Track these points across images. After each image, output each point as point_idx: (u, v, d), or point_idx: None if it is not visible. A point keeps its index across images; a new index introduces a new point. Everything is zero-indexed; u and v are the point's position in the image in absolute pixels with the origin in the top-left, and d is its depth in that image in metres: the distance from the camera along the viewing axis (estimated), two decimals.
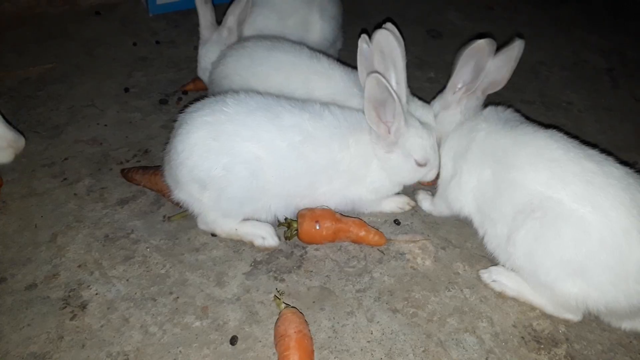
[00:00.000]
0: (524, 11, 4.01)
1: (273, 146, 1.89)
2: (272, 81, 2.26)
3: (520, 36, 2.04)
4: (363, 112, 1.95)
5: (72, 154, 2.46)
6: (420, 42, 3.49)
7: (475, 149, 1.96)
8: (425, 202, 2.25)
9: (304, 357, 1.61)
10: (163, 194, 2.19)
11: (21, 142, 2.20)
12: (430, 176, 2.12)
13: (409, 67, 2.17)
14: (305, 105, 1.98)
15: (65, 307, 1.81)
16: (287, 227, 2.04)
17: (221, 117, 1.88)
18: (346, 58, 2.84)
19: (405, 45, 2.09)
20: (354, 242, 2.08)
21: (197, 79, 2.82)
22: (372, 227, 2.10)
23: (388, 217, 2.23)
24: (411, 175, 2.09)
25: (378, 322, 1.81)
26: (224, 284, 1.92)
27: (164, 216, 2.17)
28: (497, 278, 1.92)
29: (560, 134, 1.86)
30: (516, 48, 2.01)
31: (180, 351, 1.69)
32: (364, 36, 2.03)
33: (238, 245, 2.07)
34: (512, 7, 4.05)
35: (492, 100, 2.24)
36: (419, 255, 2.07)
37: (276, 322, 1.72)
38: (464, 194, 1.98)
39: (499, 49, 2.03)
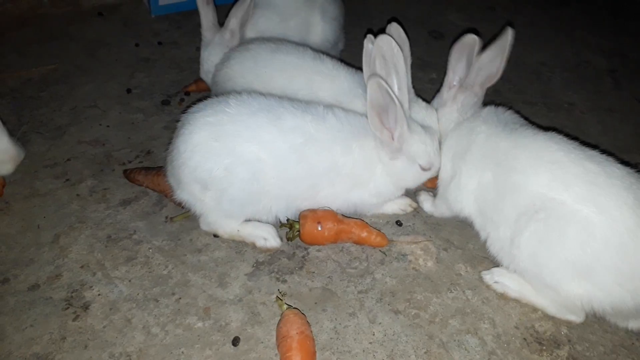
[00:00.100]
0: (525, 12, 4.01)
1: (274, 148, 1.89)
2: (276, 82, 2.27)
3: (511, 25, 2.05)
4: (367, 117, 1.95)
5: (74, 154, 2.47)
6: (422, 43, 3.49)
7: (475, 151, 1.96)
8: (426, 203, 2.25)
9: (306, 358, 1.61)
10: (165, 194, 2.19)
11: (22, 155, 2.23)
12: (432, 176, 2.13)
13: (411, 68, 2.18)
14: (308, 108, 1.98)
15: (68, 307, 1.82)
16: (289, 228, 2.05)
17: (223, 118, 1.89)
18: (348, 59, 2.84)
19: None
20: (356, 243, 2.08)
21: (199, 80, 2.82)
22: (374, 228, 2.10)
23: (390, 218, 2.23)
24: (416, 179, 2.10)
25: (380, 323, 1.81)
26: (226, 284, 1.92)
27: (167, 217, 2.18)
28: (499, 279, 1.92)
29: (560, 136, 1.86)
30: (506, 37, 2.02)
31: (182, 352, 1.70)
32: (369, 36, 2.04)
33: (240, 246, 2.07)
34: (513, 8, 4.05)
35: (494, 101, 2.24)
36: (421, 256, 2.07)
37: (278, 323, 1.73)
38: (464, 196, 1.98)
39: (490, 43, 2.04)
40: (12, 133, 2.24)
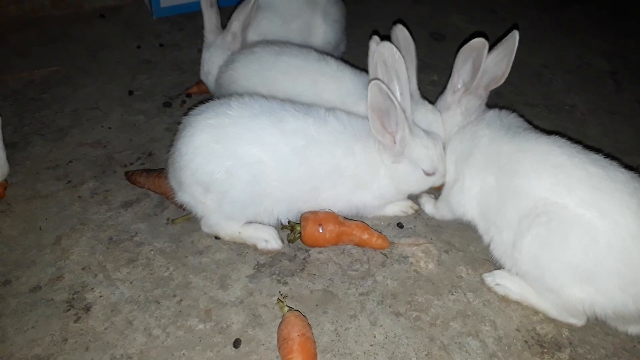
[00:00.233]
0: (527, 14, 4.01)
1: (276, 150, 1.89)
2: (280, 85, 2.27)
3: (516, 27, 2.04)
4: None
5: (76, 156, 2.47)
6: (423, 44, 3.49)
7: (478, 155, 1.96)
8: (428, 205, 2.25)
9: None
10: (167, 196, 2.19)
11: (7, 169, 2.24)
12: (439, 183, 2.12)
13: None
14: (310, 110, 1.99)
15: (69, 309, 1.82)
16: (290, 230, 2.05)
17: (225, 120, 1.89)
18: (349, 61, 2.84)
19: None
20: (357, 245, 2.08)
21: (200, 81, 2.82)
22: (375, 230, 2.10)
23: (391, 220, 2.23)
24: (420, 184, 2.09)
25: (381, 325, 1.81)
26: (227, 286, 1.92)
27: (168, 219, 2.18)
28: (501, 282, 1.92)
29: (564, 140, 1.85)
30: (513, 40, 2.02)
31: (183, 354, 1.70)
32: (375, 37, 2.04)
33: (241, 248, 2.07)
34: (514, 10, 4.05)
35: (495, 103, 2.24)
36: (422, 258, 2.07)
37: (279, 325, 1.73)
38: (467, 199, 1.98)
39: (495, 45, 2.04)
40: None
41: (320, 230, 1.99)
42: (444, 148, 2.13)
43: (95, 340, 1.73)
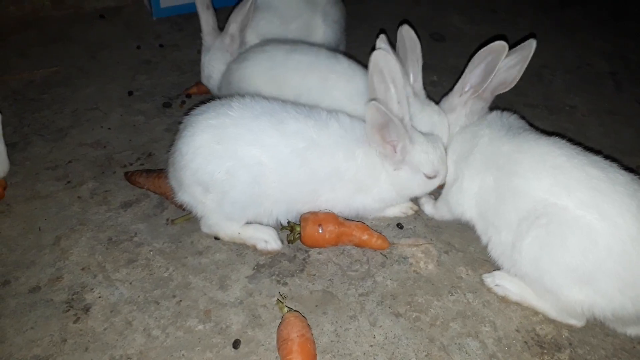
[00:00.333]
0: (527, 14, 4.01)
1: (276, 152, 1.89)
2: (290, 81, 2.26)
3: (533, 36, 2.03)
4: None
5: (76, 157, 2.47)
6: (423, 45, 3.43)
7: (477, 154, 1.96)
8: (427, 205, 2.25)
9: None
10: (166, 197, 2.19)
11: (7, 166, 2.26)
12: (441, 182, 2.12)
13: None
14: (312, 112, 1.98)
15: (69, 310, 1.82)
16: (290, 230, 2.05)
17: (226, 121, 1.89)
18: None
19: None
20: (357, 245, 2.08)
21: (200, 82, 2.82)
22: (375, 230, 2.10)
23: (391, 220, 2.23)
24: (422, 188, 2.10)
25: (381, 326, 1.81)
26: (226, 287, 1.92)
27: (167, 219, 2.18)
28: (500, 282, 1.92)
29: (564, 141, 1.85)
30: (528, 47, 2.00)
31: (183, 354, 1.70)
32: (382, 36, 2.03)
33: (241, 248, 2.07)
34: (515, 11, 4.05)
35: (496, 104, 2.24)
36: (421, 259, 2.07)
37: (279, 326, 1.72)
38: (465, 199, 1.98)
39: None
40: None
41: (320, 231, 1.98)
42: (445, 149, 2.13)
43: (95, 340, 1.73)
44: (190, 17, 3.59)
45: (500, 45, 1.96)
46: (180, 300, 1.87)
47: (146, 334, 1.76)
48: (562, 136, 1.90)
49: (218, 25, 2.69)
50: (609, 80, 3.34)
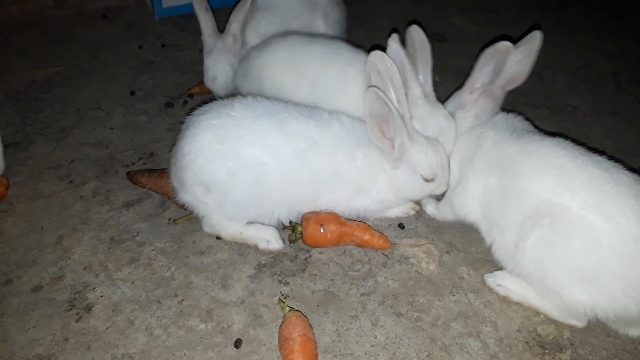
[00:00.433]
0: (528, 15, 4.01)
1: (278, 152, 1.89)
2: (307, 71, 2.26)
3: (539, 27, 2.01)
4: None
5: (78, 156, 2.48)
6: None
7: (481, 156, 1.95)
8: (429, 206, 2.25)
9: None
10: (168, 196, 2.20)
11: (3, 164, 2.26)
12: (440, 190, 2.11)
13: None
14: (313, 113, 1.99)
15: (71, 309, 1.83)
16: (292, 230, 2.05)
17: (228, 121, 1.89)
18: None
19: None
20: (359, 245, 2.08)
21: (202, 82, 2.83)
22: (377, 230, 2.10)
23: (392, 221, 2.23)
24: (418, 190, 2.08)
25: (382, 326, 1.81)
26: (228, 287, 1.93)
27: (169, 219, 2.18)
28: (502, 282, 1.92)
29: (567, 142, 1.84)
30: (534, 40, 1.99)
31: (184, 354, 1.70)
32: (394, 35, 2.03)
33: (243, 248, 2.07)
34: (516, 11, 4.05)
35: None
36: (423, 259, 2.07)
37: (280, 326, 1.73)
38: (469, 201, 1.97)
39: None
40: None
41: (322, 231, 1.99)
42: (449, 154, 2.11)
43: (97, 339, 1.73)
44: (192, 17, 3.56)
45: (505, 45, 1.95)
46: (182, 300, 1.87)
47: (148, 333, 1.76)
48: (565, 137, 1.90)
49: (217, 26, 2.69)
50: (610, 80, 3.34)
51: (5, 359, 1.66)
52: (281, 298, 1.87)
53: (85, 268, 1.97)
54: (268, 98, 2.03)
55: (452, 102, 2.24)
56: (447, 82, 3.09)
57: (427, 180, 2.03)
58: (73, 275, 1.94)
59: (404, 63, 2.06)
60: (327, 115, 2.00)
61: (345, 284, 1.95)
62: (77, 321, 1.79)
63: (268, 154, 1.88)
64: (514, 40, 2.01)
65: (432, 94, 2.22)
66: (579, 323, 1.82)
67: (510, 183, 1.82)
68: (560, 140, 1.85)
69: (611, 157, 1.80)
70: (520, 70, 2.06)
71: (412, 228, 2.21)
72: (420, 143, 1.99)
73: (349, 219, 2.09)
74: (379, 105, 1.84)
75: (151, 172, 2.28)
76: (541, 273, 1.72)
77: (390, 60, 1.92)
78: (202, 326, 1.79)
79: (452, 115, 2.19)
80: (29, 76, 2.99)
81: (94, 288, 1.90)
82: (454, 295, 1.94)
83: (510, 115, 2.11)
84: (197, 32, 2.70)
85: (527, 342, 1.79)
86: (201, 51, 2.76)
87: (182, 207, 2.09)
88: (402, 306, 1.88)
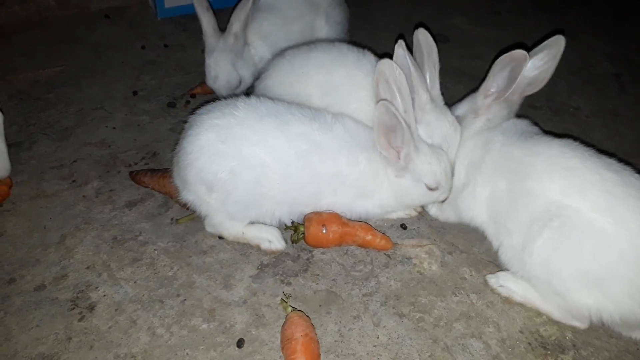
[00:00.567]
0: (530, 16, 4.01)
1: (280, 153, 1.89)
2: (314, 77, 2.25)
3: (562, 32, 1.96)
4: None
5: (81, 156, 2.49)
6: None
7: (489, 161, 1.94)
8: (432, 207, 2.25)
9: None
10: (171, 196, 2.20)
11: (9, 165, 2.25)
12: (442, 197, 2.10)
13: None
14: (317, 115, 1.98)
15: (74, 308, 1.83)
16: (294, 230, 2.05)
17: (231, 121, 1.90)
18: None
19: (411, 50, 2.08)
20: (361, 246, 2.08)
21: (204, 82, 2.83)
22: (379, 231, 2.10)
23: (395, 221, 2.23)
24: (421, 198, 2.08)
25: (384, 326, 1.81)
26: (231, 286, 1.93)
27: (172, 219, 2.19)
28: (504, 283, 1.92)
29: (577, 143, 1.83)
30: (557, 45, 1.95)
31: (187, 353, 1.70)
32: (401, 42, 2.02)
33: (245, 248, 2.07)
34: (518, 12, 4.06)
35: None
36: (425, 259, 2.07)
37: (283, 326, 1.73)
38: (476, 204, 1.96)
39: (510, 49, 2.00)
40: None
41: (324, 231, 1.99)
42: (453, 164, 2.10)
43: (99, 339, 1.74)
44: (194, 17, 3.54)
45: (521, 54, 1.91)
46: (185, 299, 1.87)
47: (150, 332, 1.76)
48: (574, 138, 1.88)
49: (219, 26, 2.69)
50: (612, 81, 3.34)
51: (8, 358, 1.67)
52: (283, 298, 1.87)
53: (87, 267, 1.97)
54: (271, 99, 2.03)
55: (465, 105, 2.20)
56: (449, 83, 3.10)
57: (430, 189, 2.03)
58: (76, 275, 1.94)
59: (412, 69, 2.03)
60: (330, 117, 2.00)
61: (348, 284, 1.95)
62: (79, 320, 1.79)
63: (270, 155, 1.89)
64: (531, 47, 1.97)
65: (439, 98, 2.18)
66: (581, 324, 1.82)
67: (519, 185, 1.80)
68: (570, 141, 1.84)
69: (620, 160, 1.78)
70: (541, 76, 2.02)
71: (414, 229, 2.21)
72: (425, 153, 1.98)
73: (351, 220, 2.09)
74: (389, 117, 1.84)
75: (154, 172, 2.28)
76: (548, 275, 1.71)
77: (398, 69, 1.90)
78: (204, 326, 1.79)
79: (463, 118, 2.16)
80: (32, 76, 3.00)
81: (97, 287, 1.90)
82: (456, 296, 1.94)
83: (519, 120, 2.09)
84: (200, 32, 2.70)
85: (529, 343, 1.79)
86: (203, 51, 2.77)
87: (185, 206, 2.09)
88: (404, 307, 1.88)
